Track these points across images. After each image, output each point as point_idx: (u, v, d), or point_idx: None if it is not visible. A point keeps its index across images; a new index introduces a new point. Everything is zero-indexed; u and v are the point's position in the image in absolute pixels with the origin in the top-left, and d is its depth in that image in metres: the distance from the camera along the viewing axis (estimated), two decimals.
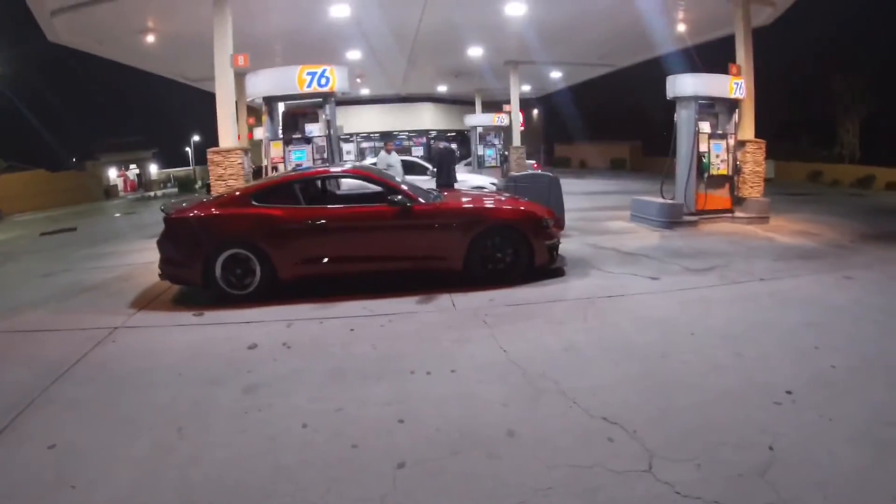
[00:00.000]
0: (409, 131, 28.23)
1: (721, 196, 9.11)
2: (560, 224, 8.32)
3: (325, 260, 5.20)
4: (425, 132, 27.66)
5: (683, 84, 8.77)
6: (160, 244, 5.35)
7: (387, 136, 25.53)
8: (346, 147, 28.68)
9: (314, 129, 8.01)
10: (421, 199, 5.36)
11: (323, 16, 10.67)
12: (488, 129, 18.14)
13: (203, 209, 5.37)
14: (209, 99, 9.18)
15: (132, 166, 34.49)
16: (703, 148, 8.85)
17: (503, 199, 6.09)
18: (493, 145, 18.17)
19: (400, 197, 5.19)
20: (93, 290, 6.12)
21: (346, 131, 27.60)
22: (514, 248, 5.39)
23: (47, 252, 9.58)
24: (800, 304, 4.60)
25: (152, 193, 29.85)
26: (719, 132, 9.09)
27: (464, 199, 5.81)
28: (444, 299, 4.98)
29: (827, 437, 2.59)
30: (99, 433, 2.92)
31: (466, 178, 11.00)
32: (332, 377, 3.46)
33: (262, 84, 7.76)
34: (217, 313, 4.97)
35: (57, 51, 13.35)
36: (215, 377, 3.56)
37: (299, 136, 7.96)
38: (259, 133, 12.64)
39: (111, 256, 8.18)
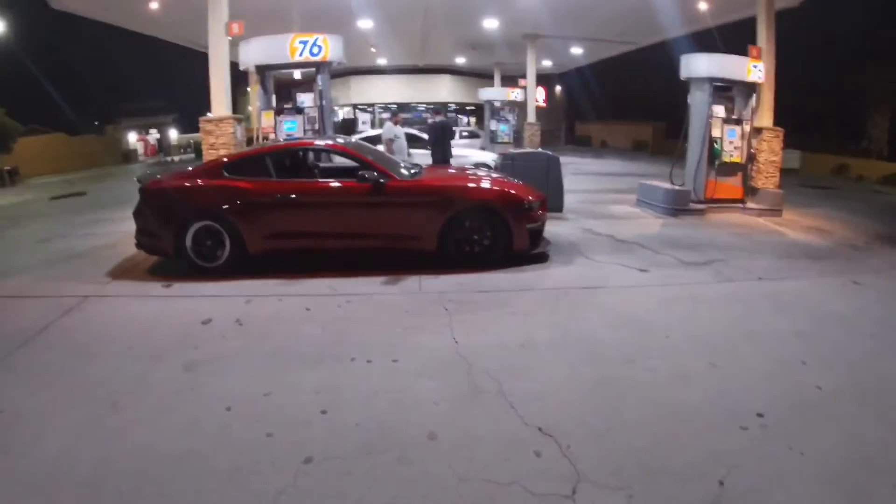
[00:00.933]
0: (426, 103, 27.83)
1: (732, 185, 8.67)
2: (550, 207, 8.13)
3: (294, 235, 5.12)
4: (443, 105, 27.19)
5: (697, 64, 8.35)
6: (135, 214, 5.35)
7: (402, 108, 25.50)
8: (362, 117, 28.69)
9: (306, 100, 7.86)
10: (395, 176, 5.19)
11: None
12: (502, 104, 17.72)
13: (176, 180, 5.33)
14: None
15: (152, 131, 34.80)
16: (715, 133, 8.40)
17: (488, 178, 5.88)
18: (507, 121, 17.77)
19: (373, 173, 5.04)
20: (79, 258, 6.18)
21: (363, 101, 27.58)
22: (491, 231, 5.21)
23: (51, 217, 9.75)
24: (796, 309, 4.27)
25: (171, 158, 30.19)
26: (734, 117, 8.64)
27: (442, 177, 5.62)
28: (412, 281, 4.87)
29: (793, 476, 2.25)
30: (43, 402, 2.97)
31: (468, 154, 10.74)
32: (273, 359, 3.42)
33: (253, 53, 7.63)
34: (185, 285, 4.98)
35: (79, 19, 13.39)
36: (162, 352, 3.56)
37: (290, 106, 7.82)
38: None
39: (108, 223, 8.26)
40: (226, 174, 5.20)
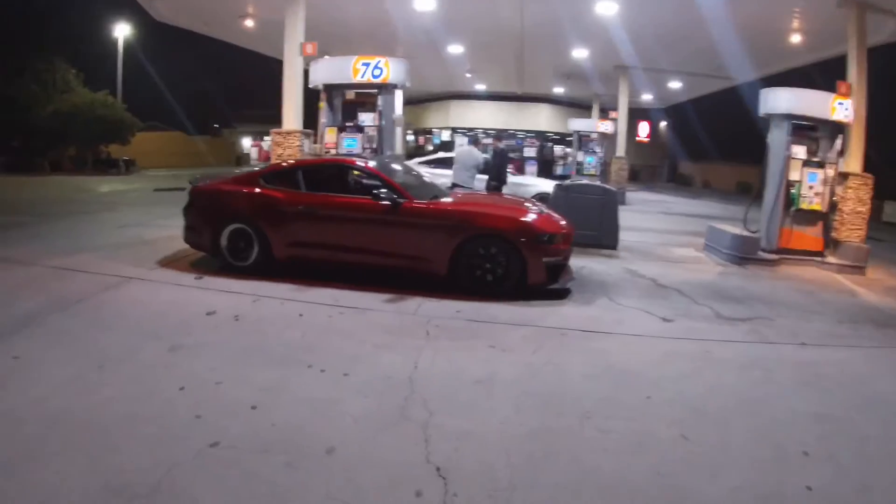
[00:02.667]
0: (525, 131, 28.09)
1: (811, 235, 8.03)
2: (603, 243, 7.92)
3: (314, 245, 5.51)
4: (541, 133, 27.26)
5: (776, 99, 7.91)
6: (184, 211, 6.04)
7: (502, 135, 25.94)
8: (459, 140, 29.46)
9: (367, 119, 8.37)
10: (412, 198, 5.42)
11: (407, 8, 11.04)
12: (591, 136, 17.50)
13: (219, 185, 5.96)
14: None
15: (266, 137, 38.19)
16: (793, 176, 7.87)
17: (515, 206, 5.92)
18: (594, 153, 17.47)
19: (389, 193, 5.32)
20: (143, 245, 7.08)
21: (462, 125, 28.42)
22: (506, 260, 5.22)
23: (142, 206, 11.15)
24: (830, 385, 3.78)
25: None
26: (816, 160, 7.98)
27: (461, 202, 5.73)
28: (413, 303, 5.02)
29: None
30: (51, 357, 3.58)
31: (527, 182, 10.76)
32: (244, 354, 3.74)
33: (321, 72, 8.32)
34: (213, 279, 5.54)
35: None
36: (160, 333, 4.06)
37: (352, 124, 8.38)
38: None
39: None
40: (261, 182, 5.75)
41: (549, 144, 25.92)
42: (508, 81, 22.38)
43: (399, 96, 8.24)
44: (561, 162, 22.47)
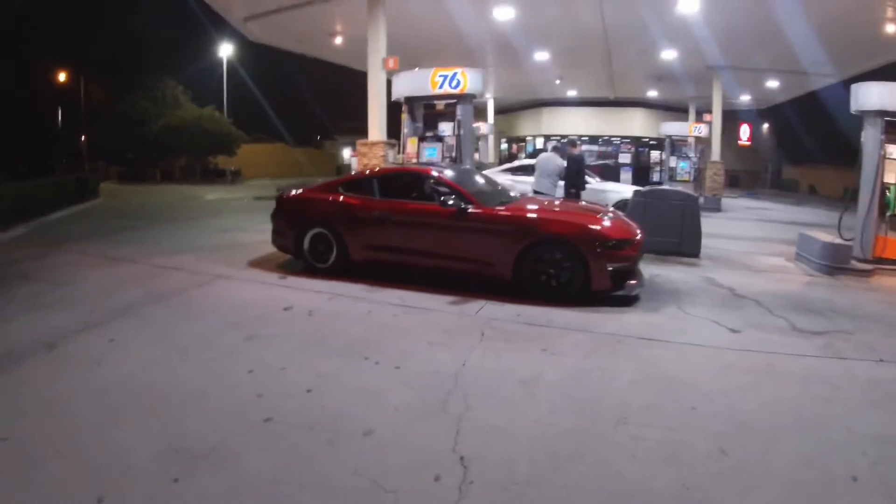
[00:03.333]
0: (619, 136, 27.37)
1: None
2: (685, 251, 7.63)
3: (386, 248, 5.85)
4: (636, 139, 26.39)
5: (867, 94, 7.33)
6: (272, 217, 6.64)
7: (595, 141, 25.55)
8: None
9: (447, 129, 8.68)
10: (478, 203, 5.58)
11: (487, 19, 11.27)
12: (683, 140, 16.76)
13: (304, 192, 6.49)
14: None
15: None
16: (889, 179, 7.31)
17: (583, 212, 5.87)
18: (688, 157, 16.71)
19: (453, 199, 5.52)
20: (239, 247, 7.85)
21: (554, 132, 28.19)
22: (570, 266, 5.22)
23: (243, 213, 12.25)
24: None
25: None
26: None
27: (526, 208, 5.74)
28: (475, 305, 5.15)
29: None
30: (142, 341, 4.17)
31: (608, 188, 10.54)
32: (310, 345, 4.10)
33: (402, 85, 8.75)
34: (295, 279, 6.05)
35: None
36: (240, 324, 4.55)
37: (431, 134, 8.72)
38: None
39: None
40: (340, 190, 6.19)
41: (645, 150, 25.10)
42: (600, 86, 21.95)
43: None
44: (657, 168, 21.75)
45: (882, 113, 7.24)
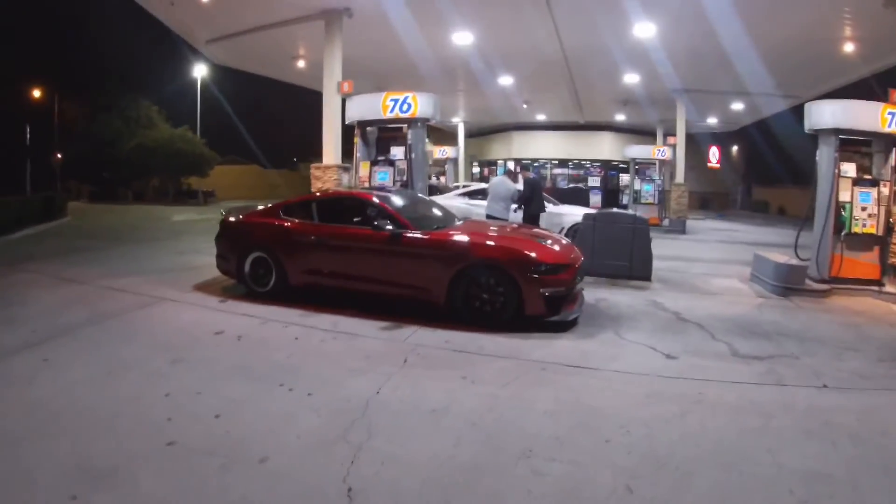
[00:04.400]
0: (588, 160, 27.89)
1: (866, 262, 7.41)
2: (636, 275, 7.70)
3: (323, 273, 5.86)
4: (605, 162, 26.91)
5: (820, 113, 7.43)
6: (216, 241, 6.67)
7: (563, 164, 25.96)
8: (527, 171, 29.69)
9: (398, 153, 8.76)
10: (412, 227, 5.64)
11: (446, 44, 11.49)
12: (649, 163, 17.12)
13: (245, 217, 6.51)
14: None
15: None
16: (844, 197, 7.36)
17: (518, 236, 5.94)
18: (652, 180, 17.05)
19: (387, 224, 5.59)
20: (188, 270, 7.84)
21: (525, 156, 28.67)
22: (504, 291, 5.25)
23: (206, 235, 12.01)
24: (839, 437, 3.27)
25: None
26: (868, 177, 7.48)
27: (459, 232, 5.80)
28: (407, 331, 5.17)
29: None
30: (73, 360, 4.30)
31: (564, 211, 10.69)
32: (233, 370, 4.13)
33: (354, 109, 8.89)
34: (235, 303, 6.07)
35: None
36: (170, 347, 4.59)
37: (383, 158, 8.80)
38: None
39: None
40: (280, 214, 6.21)
41: (616, 173, 25.56)
42: (568, 110, 22.45)
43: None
44: (626, 191, 22.13)
45: (836, 131, 7.33)
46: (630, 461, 2.96)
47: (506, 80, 16.04)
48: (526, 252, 5.37)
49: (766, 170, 26.62)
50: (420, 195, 7.56)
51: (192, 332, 5.04)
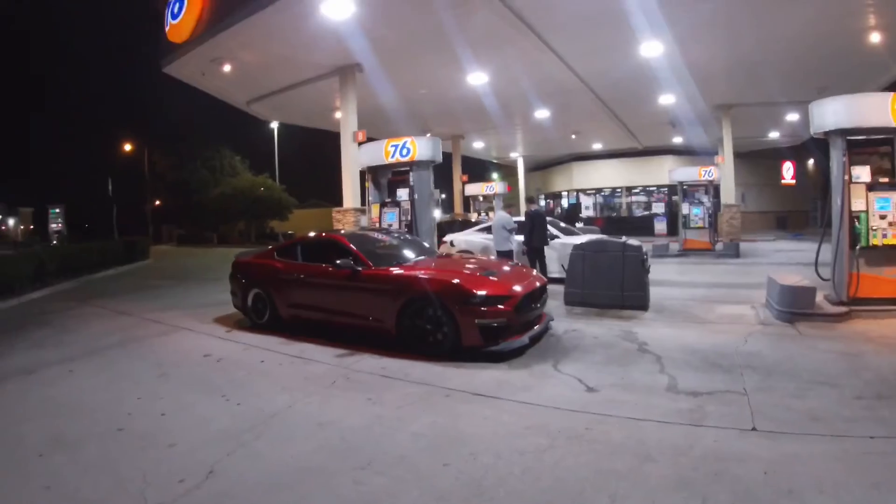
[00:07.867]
0: (652, 186, 27.32)
1: (891, 278, 6.55)
2: (632, 304, 7.53)
3: (301, 307, 6.81)
4: (667, 187, 26.17)
5: (823, 113, 6.73)
6: (230, 280, 7.82)
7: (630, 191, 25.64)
8: (586, 202, 29.53)
9: (403, 195, 9.60)
10: (369, 264, 6.40)
11: (466, 85, 12.31)
12: (695, 185, 16.66)
13: (250, 258, 7.69)
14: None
15: None
16: (857, 206, 6.60)
17: (462, 270, 6.36)
18: (701, 203, 16.55)
19: (348, 261, 6.42)
20: (219, 306, 9.10)
21: (586, 186, 28.63)
22: (444, 321, 5.68)
23: None
24: (719, 491, 2.90)
25: None
26: (884, 181, 6.64)
27: (410, 267, 6.43)
28: (356, 359, 5.75)
29: None
30: (91, 372, 5.70)
31: (568, 240, 10.86)
32: (198, 384, 5.21)
33: (364, 156, 9.94)
34: (238, 333, 7.23)
35: None
36: (163, 365, 5.83)
37: (390, 200, 9.71)
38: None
39: None
40: (275, 256, 7.29)
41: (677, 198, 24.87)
42: (621, 138, 22.39)
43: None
44: None
45: (842, 132, 6.60)
46: (449, 486, 3.07)
47: (542, 114, 16.55)
48: (460, 284, 5.80)
49: None
50: (404, 234, 8.31)
51: (188, 354, 6.26)
